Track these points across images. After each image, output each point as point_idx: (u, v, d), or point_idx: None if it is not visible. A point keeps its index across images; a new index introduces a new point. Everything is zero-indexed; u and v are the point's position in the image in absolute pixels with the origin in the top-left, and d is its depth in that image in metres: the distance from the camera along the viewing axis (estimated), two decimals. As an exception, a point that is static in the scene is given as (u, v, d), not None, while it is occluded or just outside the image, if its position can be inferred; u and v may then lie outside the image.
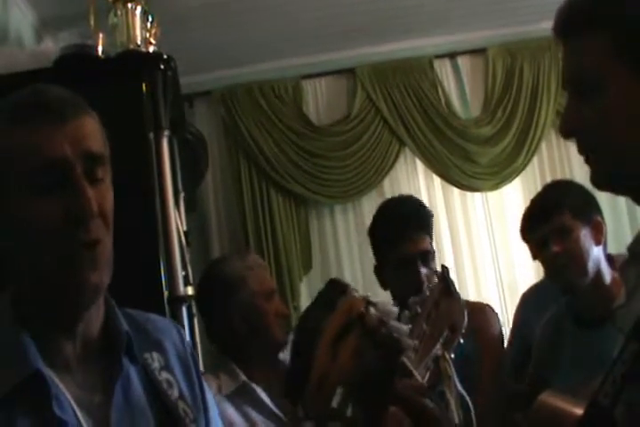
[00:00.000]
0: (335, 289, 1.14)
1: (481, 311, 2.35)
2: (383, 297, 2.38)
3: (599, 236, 2.10)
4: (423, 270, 2.16)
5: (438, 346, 1.28)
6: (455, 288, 1.48)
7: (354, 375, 0.97)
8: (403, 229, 2.21)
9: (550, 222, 2.08)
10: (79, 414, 1.04)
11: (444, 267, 1.56)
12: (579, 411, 1.43)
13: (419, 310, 1.30)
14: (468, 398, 1.43)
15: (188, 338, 1.32)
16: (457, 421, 1.35)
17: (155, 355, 1.18)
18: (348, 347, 0.99)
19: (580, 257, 2.06)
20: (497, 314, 2.45)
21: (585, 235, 2.07)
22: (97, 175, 1.06)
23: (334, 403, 0.95)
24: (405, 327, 1.01)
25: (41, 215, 1.02)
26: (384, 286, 2.35)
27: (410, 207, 2.33)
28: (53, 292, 1.07)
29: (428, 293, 1.36)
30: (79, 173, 1.03)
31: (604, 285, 2.07)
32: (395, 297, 2.28)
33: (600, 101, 1.07)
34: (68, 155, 1.03)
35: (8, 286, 1.11)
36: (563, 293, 2.21)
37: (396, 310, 1.03)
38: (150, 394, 1.14)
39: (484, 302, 2.68)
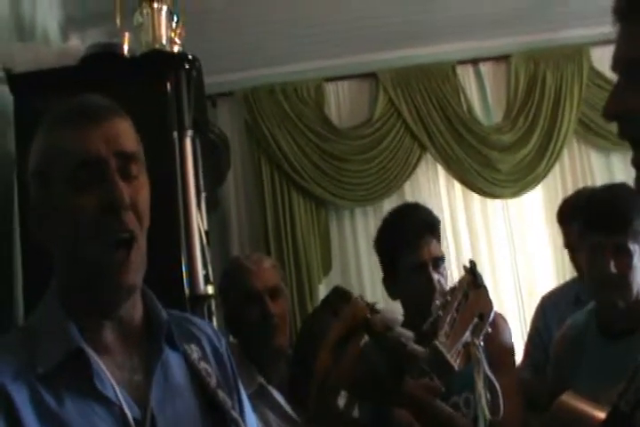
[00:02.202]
0: (339, 297, 1.16)
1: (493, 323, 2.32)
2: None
3: None
4: (435, 276, 2.15)
5: (468, 333, 1.32)
6: (482, 280, 1.53)
7: (357, 378, 0.98)
8: (417, 235, 2.18)
9: (612, 236, 2.00)
10: (118, 391, 1.11)
11: (471, 261, 1.60)
12: (599, 414, 1.43)
13: (449, 298, 1.34)
14: (496, 382, 1.46)
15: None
16: (484, 403, 1.38)
17: (193, 347, 1.25)
18: (350, 352, 1.02)
19: (630, 283, 2.01)
20: (508, 324, 2.43)
21: (638, 261, 2.01)
22: (131, 172, 1.15)
23: (341, 404, 0.96)
24: (410, 333, 1.03)
25: (78, 209, 1.11)
26: (393, 296, 2.33)
27: (421, 214, 2.29)
28: (90, 288, 1.15)
29: (457, 284, 1.41)
30: (113, 169, 1.12)
31: (639, 300, 2.05)
32: (405, 307, 2.25)
33: None
34: (102, 153, 1.12)
35: (56, 276, 1.19)
36: (600, 306, 2.17)
37: (400, 317, 1.05)
38: (191, 381, 1.21)
39: (501, 309, 2.65)
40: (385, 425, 1.02)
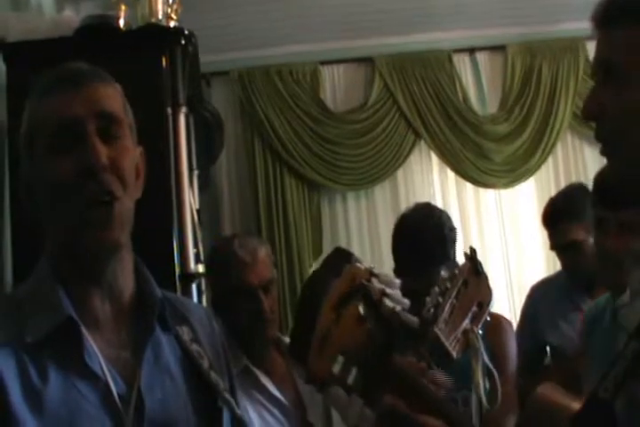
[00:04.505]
0: (340, 256, 1.15)
1: (497, 327, 2.27)
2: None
3: None
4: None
5: (467, 320, 1.30)
6: (482, 268, 1.50)
7: (354, 344, 1.00)
8: (416, 265, 2.10)
9: (616, 212, 1.92)
10: (105, 366, 1.08)
11: (471, 248, 1.57)
12: (575, 405, 1.43)
13: (448, 285, 1.32)
14: (494, 370, 1.44)
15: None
16: (482, 390, 1.37)
17: (184, 328, 1.22)
18: (350, 314, 1.02)
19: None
20: (512, 326, 2.38)
21: None
22: (112, 134, 1.12)
23: (335, 370, 0.96)
24: (406, 301, 1.03)
25: (57, 172, 1.10)
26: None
27: (427, 236, 2.18)
28: (73, 246, 1.13)
29: (457, 271, 1.39)
30: (90, 130, 1.10)
31: None
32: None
33: (624, 91, 1.07)
34: (79, 114, 1.11)
35: (46, 245, 1.17)
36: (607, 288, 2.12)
37: (398, 281, 1.04)
38: (182, 363, 1.18)
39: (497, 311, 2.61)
40: (377, 394, 1.01)
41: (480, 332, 1.39)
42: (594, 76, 1.14)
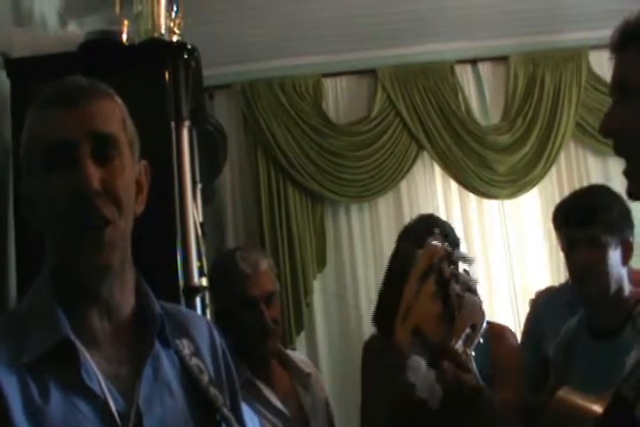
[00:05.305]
0: (424, 226, 1.24)
1: (501, 336, 2.29)
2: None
3: (628, 257, 2.10)
4: None
5: (460, 342, 1.31)
6: (476, 289, 1.52)
7: (428, 320, 1.12)
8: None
9: (584, 230, 2.06)
10: (104, 384, 1.07)
11: (465, 269, 1.59)
12: (596, 407, 1.45)
13: None
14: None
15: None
16: None
17: (185, 342, 1.21)
18: (427, 291, 1.13)
19: (604, 275, 2.05)
20: (516, 337, 2.40)
21: (615, 254, 2.06)
22: (107, 154, 1.11)
23: (414, 342, 1.09)
24: (475, 279, 1.18)
25: (52, 193, 1.09)
26: None
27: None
28: (67, 266, 1.13)
29: (450, 292, 1.40)
30: (83, 152, 1.09)
31: (622, 298, 2.07)
32: None
33: (638, 106, 1.14)
34: (71, 135, 1.09)
35: (45, 260, 1.17)
36: (581, 301, 2.21)
37: (472, 256, 1.18)
38: (182, 378, 1.17)
39: (495, 310, 2.63)
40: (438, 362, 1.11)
41: (473, 354, 1.41)
42: (612, 95, 1.21)
